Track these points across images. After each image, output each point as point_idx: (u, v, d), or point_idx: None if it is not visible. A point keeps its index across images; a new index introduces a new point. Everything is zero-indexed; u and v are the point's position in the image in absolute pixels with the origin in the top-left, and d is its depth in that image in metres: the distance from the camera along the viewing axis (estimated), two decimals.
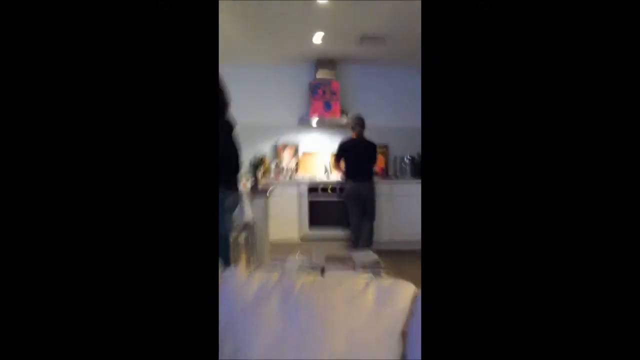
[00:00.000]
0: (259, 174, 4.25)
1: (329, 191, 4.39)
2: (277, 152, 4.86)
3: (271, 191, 3.15)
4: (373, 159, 3.79)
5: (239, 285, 0.98)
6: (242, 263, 2.87)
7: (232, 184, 2.17)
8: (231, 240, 2.32)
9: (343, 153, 3.74)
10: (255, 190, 2.91)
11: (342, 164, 3.73)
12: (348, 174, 3.72)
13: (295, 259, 1.47)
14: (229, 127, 2.24)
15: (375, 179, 3.89)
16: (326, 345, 0.80)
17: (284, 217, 4.32)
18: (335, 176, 4.53)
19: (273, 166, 4.77)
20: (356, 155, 3.73)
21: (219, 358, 0.91)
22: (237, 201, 2.29)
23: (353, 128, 3.77)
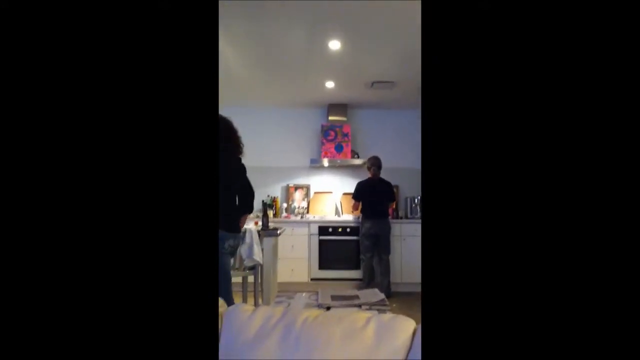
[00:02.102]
0: (270, 214, 4.28)
1: (340, 230, 4.38)
2: (288, 192, 4.92)
3: (282, 231, 3.17)
4: (390, 198, 3.89)
5: (242, 320, 0.98)
6: (249, 302, 2.84)
7: (234, 226, 2.22)
8: (232, 279, 2.33)
9: (361, 192, 3.83)
10: (266, 230, 2.93)
11: (359, 204, 3.83)
12: (365, 212, 3.80)
13: (302, 297, 1.47)
14: (243, 169, 2.32)
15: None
16: None
17: (295, 258, 4.30)
18: (348, 216, 4.54)
19: (284, 206, 4.80)
20: (373, 195, 3.85)
21: None
22: (238, 243, 2.32)
23: (369, 168, 3.90)
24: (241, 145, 2.31)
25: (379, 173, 3.95)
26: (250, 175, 2.39)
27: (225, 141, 2.21)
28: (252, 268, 2.87)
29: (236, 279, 3.07)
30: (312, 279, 4.31)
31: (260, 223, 3.10)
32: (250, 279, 3.02)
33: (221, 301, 1.09)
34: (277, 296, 1.67)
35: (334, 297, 1.61)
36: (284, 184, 4.97)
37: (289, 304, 1.34)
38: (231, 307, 1.04)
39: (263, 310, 0.99)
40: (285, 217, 4.60)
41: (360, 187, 3.94)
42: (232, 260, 2.41)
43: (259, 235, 2.80)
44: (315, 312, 0.97)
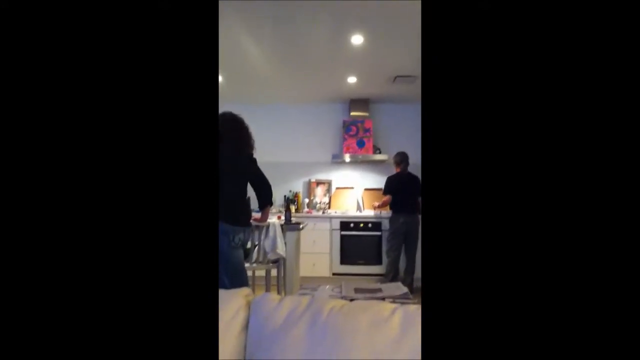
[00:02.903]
0: (292, 209, 4.32)
1: (361, 225, 4.37)
2: (310, 188, 4.95)
3: (304, 226, 3.20)
4: (419, 192, 3.86)
5: (270, 309, 1.01)
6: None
7: (244, 219, 2.26)
8: (256, 273, 2.37)
9: (393, 188, 3.82)
10: (289, 224, 2.97)
11: (389, 199, 3.81)
12: (397, 208, 3.79)
13: (325, 289, 1.49)
14: (254, 163, 2.36)
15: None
16: None
17: (316, 252, 4.33)
18: (370, 211, 4.53)
19: (306, 202, 4.84)
20: (405, 190, 3.83)
21: None
22: (248, 237, 2.36)
23: (398, 164, 3.88)
24: (251, 140, 2.34)
25: (407, 168, 3.93)
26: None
27: (234, 137, 2.25)
28: (276, 261, 2.91)
29: (259, 272, 3.12)
30: (333, 274, 4.33)
31: (283, 217, 3.14)
32: (274, 272, 3.07)
33: (248, 290, 1.12)
34: (301, 288, 1.70)
35: (357, 290, 1.63)
36: (306, 179, 5.00)
37: (313, 295, 1.36)
38: (259, 296, 1.06)
39: (290, 300, 1.02)
40: (307, 212, 4.63)
41: (391, 182, 3.89)
42: (245, 254, 2.45)
43: (282, 229, 2.84)
44: (341, 302, 0.99)
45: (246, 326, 0.99)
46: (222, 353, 0.94)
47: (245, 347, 0.97)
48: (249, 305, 1.04)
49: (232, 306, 1.02)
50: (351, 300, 1.12)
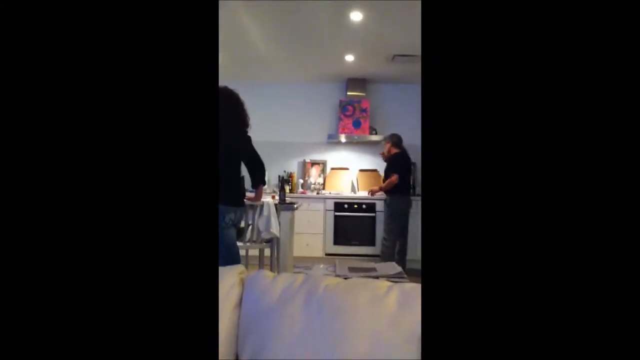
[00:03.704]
0: (287, 189, 4.29)
1: (355, 207, 4.38)
2: (305, 168, 4.92)
3: (298, 206, 3.18)
4: (411, 174, 3.90)
5: (264, 286, 1.00)
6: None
7: (236, 199, 2.23)
8: (249, 252, 2.37)
9: (401, 167, 3.80)
10: (283, 204, 2.95)
11: (397, 179, 3.75)
12: (399, 189, 3.77)
13: (320, 268, 1.48)
14: (249, 142, 2.32)
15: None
16: (348, 346, 0.80)
17: (310, 233, 4.34)
18: (364, 193, 4.53)
19: (301, 182, 4.82)
20: (408, 171, 3.83)
21: (240, 358, 0.93)
22: (240, 216, 2.33)
23: (397, 144, 3.84)
24: (247, 118, 2.29)
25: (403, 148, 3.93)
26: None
27: (230, 114, 2.20)
28: (269, 241, 2.90)
29: (253, 251, 3.12)
30: (327, 254, 4.35)
31: (277, 197, 3.12)
32: (267, 252, 3.06)
33: (242, 267, 1.10)
34: (295, 267, 1.69)
35: (351, 269, 1.62)
36: (301, 160, 4.96)
37: (307, 273, 1.36)
38: (254, 272, 1.05)
39: (284, 277, 1.00)
40: (302, 192, 4.61)
41: (398, 162, 3.82)
42: (238, 234, 2.43)
43: (276, 209, 2.82)
44: (336, 279, 0.98)
45: (240, 302, 0.98)
46: (219, 326, 0.93)
47: (238, 322, 0.96)
48: (242, 282, 1.03)
49: (226, 282, 1.01)
50: (346, 278, 1.11)
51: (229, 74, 4.39)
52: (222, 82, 2.68)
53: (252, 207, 2.67)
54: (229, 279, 1.02)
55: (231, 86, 2.30)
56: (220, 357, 0.91)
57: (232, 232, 2.20)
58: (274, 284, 0.98)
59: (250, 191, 2.55)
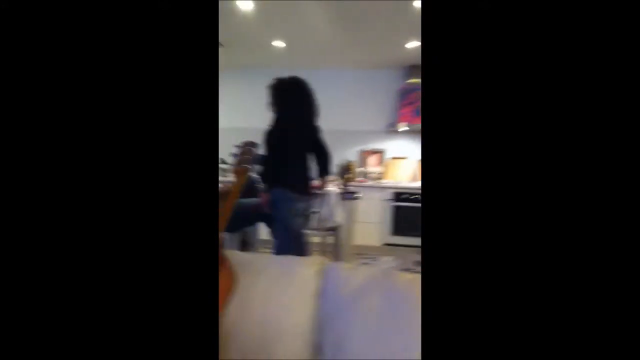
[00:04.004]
0: (347, 179, 4.32)
1: (414, 197, 4.31)
2: (363, 157, 4.91)
3: (360, 196, 3.20)
4: None
5: (343, 278, 1.03)
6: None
7: (305, 189, 2.27)
8: (313, 239, 2.42)
9: None
10: (344, 194, 2.98)
11: None
12: None
13: (389, 260, 1.50)
14: (317, 132, 2.34)
15: None
16: None
17: (368, 222, 4.34)
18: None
19: (360, 171, 4.82)
20: None
21: (322, 347, 0.97)
22: (309, 206, 2.37)
23: None
24: (316, 108, 2.31)
25: None
26: (326, 138, 2.41)
27: (298, 104, 2.23)
28: (332, 230, 2.96)
29: (315, 239, 3.19)
30: (384, 244, 4.35)
31: (339, 186, 3.15)
32: (329, 240, 3.12)
33: (320, 259, 1.15)
34: (360, 257, 1.72)
35: (416, 262, 1.62)
36: (359, 149, 4.96)
37: (380, 266, 1.38)
38: (332, 263, 1.09)
39: (364, 269, 1.03)
40: (360, 181, 4.62)
41: None
42: (304, 221, 2.49)
43: (339, 198, 2.86)
44: (412, 275, 0.99)
45: (318, 293, 1.03)
46: (296, 319, 0.98)
47: (317, 313, 1.00)
48: (321, 272, 1.07)
49: (305, 273, 1.06)
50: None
51: (286, 62, 4.46)
52: (283, 70, 2.74)
53: (317, 195, 2.72)
54: (307, 270, 1.07)
55: (288, 74, 2.33)
56: (299, 345, 0.96)
57: (301, 220, 2.26)
58: (352, 277, 1.02)
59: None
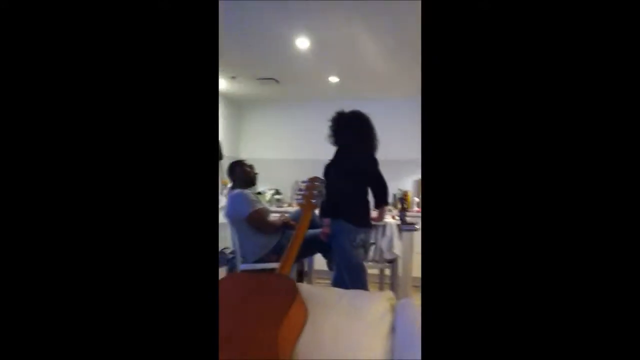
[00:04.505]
0: (403, 209, 4.25)
1: None
2: (419, 186, 4.81)
3: (417, 227, 3.12)
4: None
5: (415, 314, 1.00)
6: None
7: (365, 220, 2.25)
8: (369, 271, 2.38)
9: None
10: (404, 224, 2.93)
11: None
12: None
13: None
14: (375, 164, 2.35)
15: None
16: None
17: None
18: None
19: (416, 200, 4.72)
20: None
21: None
22: (369, 237, 2.35)
23: None
24: (376, 141, 2.33)
25: None
26: (381, 167, 2.40)
27: (361, 137, 2.26)
28: (391, 261, 2.89)
29: (372, 270, 3.13)
30: None
31: (396, 217, 3.10)
32: (387, 271, 3.05)
33: (391, 294, 1.13)
34: (419, 289, 1.65)
35: None
36: (415, 178, 4.88)
37: None
38: (403, 300, 1.07)
39: None
40: (417, 211, 4.51)
41: None
42: (364, 253, 2.46)
43: (397, 229, 2.81)
44: None
45: (392, 328, 1.00)
46: (372, 354, 0.96)
47: (392, 349, 0.97)
48: (392, 308, 1.05)
49: (377, 309, 1.04)
50: None
51: (341, 94, 4.56)
52: (338, 102, 2.80)
53: (375, 227, 2.70)
54: (380, 305, 1.06)
55: (347, 106, 2.38)
56: None
57: (361, 252, 2.25)
58: None
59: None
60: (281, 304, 1.02)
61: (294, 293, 1.06)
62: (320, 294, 1.15)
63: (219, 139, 5.02)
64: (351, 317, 1.05)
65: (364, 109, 2.42)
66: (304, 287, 1.16)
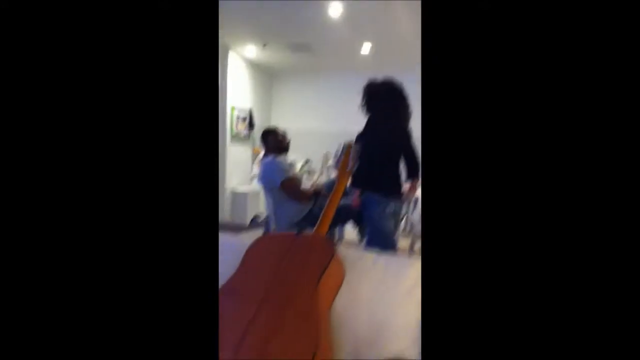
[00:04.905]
0: None
1: None
2: None
3: None
4: None
5: None
6: None
7: (395, 192, 2.21)
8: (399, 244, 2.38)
9: None
10: None
11: None
12: None
13: None
14: (408, 136, 2.29)
15: None
16: None
17: None
18: None
19: None
20: None
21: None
22: (400, 208, 2.32)
23: None
24: (410, 111, 2.27)
25: None
26: (415, 141, 2.34)
27: (392, 106, 2.20)
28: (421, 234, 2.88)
29: (403, 243, 3.14)
30: None
31: None
32: (417, 245, 3.05)
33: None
34: None
35: None
36: None
37: None
38: None
39: None
40: None
41: None
42: (394, 225, 2.45)
43: None
44: None
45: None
46: (404, 319, 0.97)
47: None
48: None
49: (412, 274, 1.04)
50: None
51: (374, 64, 4.45)
52: (368, 73, 2.72)
53: (407, 199, 2.68)
54: (415, 271, 1.05)
55: (376, 76, 2.30)
56: (408, 345, 0.94)
57: (391, 222, 2.24)
58: None
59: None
60: (319, 262, 1.03)
61: (332, 251, 1.07)
62: (355, 256, 1.16)
63: (250, 107, 5.04)
64: (386, 281, 1.05)
65: (400, 79, 2.34)
66: (340, 249, 1.16)
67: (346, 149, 1.75)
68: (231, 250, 1.19)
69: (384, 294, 1.02)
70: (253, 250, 1.15)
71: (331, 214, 1.39)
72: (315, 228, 1.32)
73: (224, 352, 0.83)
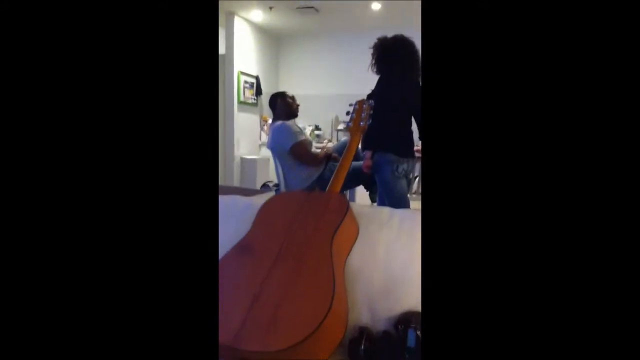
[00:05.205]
0: None
1: None
2: None
3: None
4: None
5: None
6: None
7: (407, 150, 2.18)
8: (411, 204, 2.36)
9: None
10: None
11: None
12: None
13: None
14: (420, 93, 2.22)
15: None
16: None
17: None
18: None
19: None
20: None
21: None
22: (413, 167, 2.29)
23: None
24: (419, 66, 2.18)
25: None
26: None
27: (403, 63, 2.13)
28: None
29: (415, 204, 3.13)
30: None
31: None
32: None
33: None
34: None
35: None
36: None
37: None
38: None
39: None
40: None
41: None
42: (407, 185, 2.43)
43: None
44: None
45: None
46: (418, 274, 0.97)
47: None
48: None
49: None
50: None
51: (384, 23, 4.31)
52: (377, 33, 2.62)
53: (420, 159, 2.65)
54: None
55: (391, 34, 2.22)
56: (414, 304, 0.95)
57: (404, 182, 2.23)
58: None
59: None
60: (333, 218, 1.03)
61: (346, 208, 1.07)
62: (370, 212, 1.16)
63: (257, 74, 4.96)
64: (402, 234, 1.05)
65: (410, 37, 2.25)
66: (354, 205, 1.16)
67: (359, 104, 1.71)
68: (244, 209, 1.20)
69: (398, 249, 1.02)
70: (267, 207, 1.15)
71: (344, 172, 1.37)
72: (328, 188, 1.31)
73: (240, 307, 0.85)
